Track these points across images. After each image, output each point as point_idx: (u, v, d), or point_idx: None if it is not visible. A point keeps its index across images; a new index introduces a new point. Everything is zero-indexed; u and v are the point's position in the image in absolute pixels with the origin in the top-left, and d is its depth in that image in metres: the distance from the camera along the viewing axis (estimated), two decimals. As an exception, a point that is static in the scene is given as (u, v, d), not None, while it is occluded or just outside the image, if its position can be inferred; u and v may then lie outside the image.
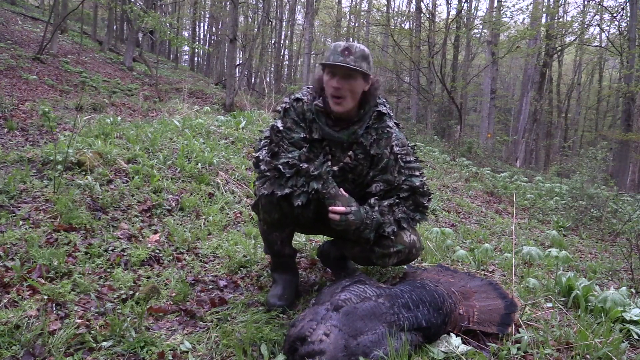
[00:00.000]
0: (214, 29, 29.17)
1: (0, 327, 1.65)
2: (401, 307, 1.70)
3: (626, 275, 3.49)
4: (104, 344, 1.66)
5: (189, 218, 3.13)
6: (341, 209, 1.84)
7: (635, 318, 2.08)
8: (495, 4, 15.92)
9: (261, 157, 1.96)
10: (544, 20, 16.54)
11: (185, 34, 29.27)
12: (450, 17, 15.26)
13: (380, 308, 1.66)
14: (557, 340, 1.85)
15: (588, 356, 1.75)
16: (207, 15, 29.19)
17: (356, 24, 25.65)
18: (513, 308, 1.91)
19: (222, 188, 3.68)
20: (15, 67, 9.31)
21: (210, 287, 2.27)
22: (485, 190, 7.13)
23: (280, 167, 1.85)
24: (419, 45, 15.58)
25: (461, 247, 3.31)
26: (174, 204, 3.21)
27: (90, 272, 2.20)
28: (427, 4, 17.27)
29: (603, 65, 24.00)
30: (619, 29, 14.87)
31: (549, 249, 2.82)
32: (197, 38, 29.74)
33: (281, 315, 2.00)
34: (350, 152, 1.98)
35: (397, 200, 1.97)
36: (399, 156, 1.97)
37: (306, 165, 1.84)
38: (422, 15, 16.74)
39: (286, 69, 25.51)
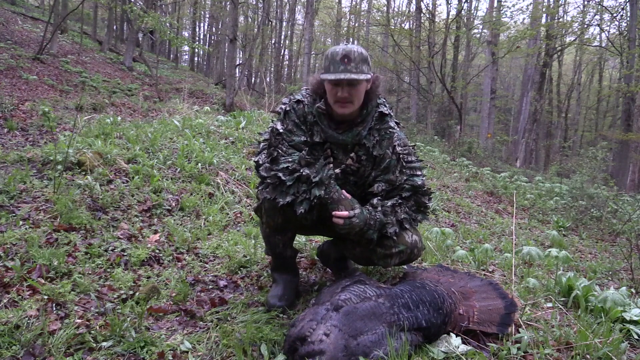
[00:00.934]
0: (214, 29, 29.15)
1: (0, 327, 1.65)
2: (401, 307, 1.70)
3: (626, 275, 3.49)
4: (104, 344, 1.66)
5: (189, 218, 3.13)
6: (345, 213, 1.83)
7: (635, 318, 2.08)
8: (495, 4, 15.95)
9: (260, 162, 1.94)
10: (544, 20, 16.53)
11: (185, 34, 29.27)
12: (450, 17, 15.25)
13: (380, 308, 1.66)
14: (557, 340, 1.85)
15: (588, 356, 1.75)
16: (207, 15, 29.18)
17: (356, 24, 25.65)
18: (513, 308, 1.91)
19: (222, 188, 3.68)
20: (15, 67, 9.29)
21: (210, 287, 2.27)
22: (485, 190, 7.13)
23: (281, 175, 1.82)
24: (419, 45, 15.58)
25: (461, 247, 3.31)
26: (174, 204, 3.21)
27: (90, 272, 2.20)
28: (427, 4, 17.28)
29: (603, 65, 24.00)
30: (619, 29, 14.89)
31: (549, 249, 2.83)
32: (197, 38, 29.73)
33: (281, 315, 2.00)
34: (352, 154, 1.97)
35: (399, 201, 1.96)
36: (401, 156, 1.97)
37: (307, 172, 1.80)
38: (422, 15, 16.74)
39: (286, 69, 25.48)
